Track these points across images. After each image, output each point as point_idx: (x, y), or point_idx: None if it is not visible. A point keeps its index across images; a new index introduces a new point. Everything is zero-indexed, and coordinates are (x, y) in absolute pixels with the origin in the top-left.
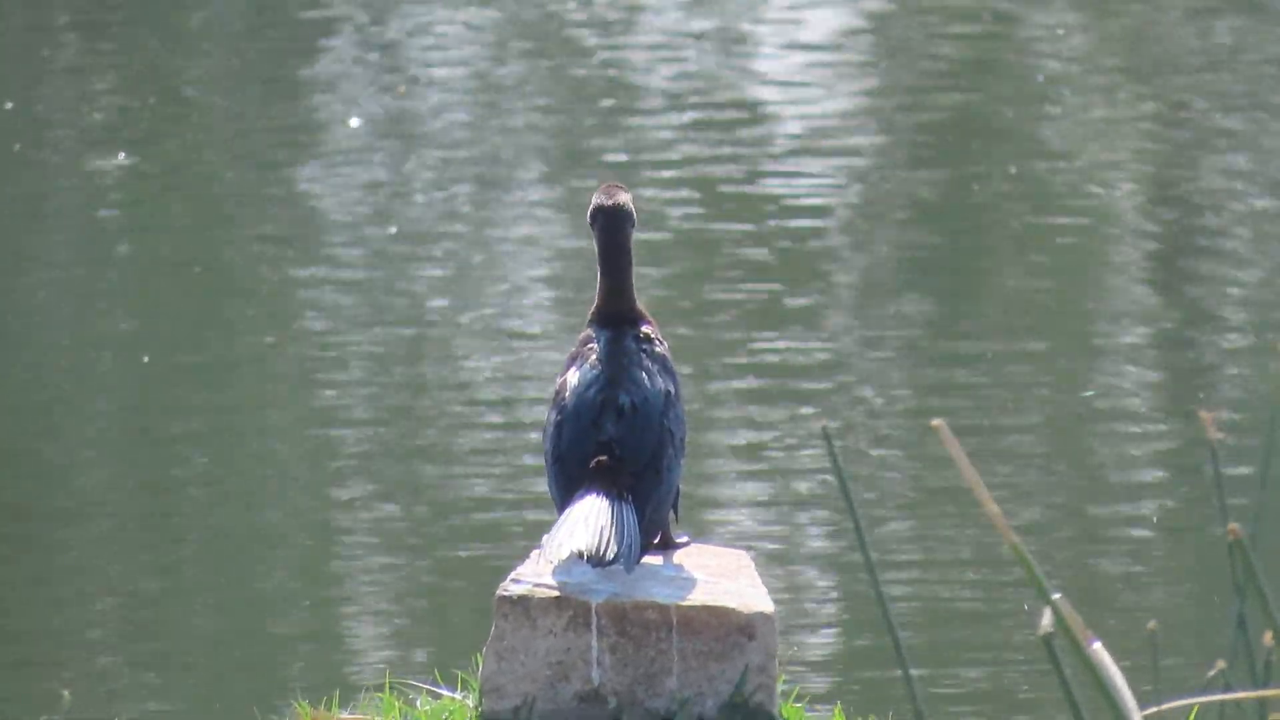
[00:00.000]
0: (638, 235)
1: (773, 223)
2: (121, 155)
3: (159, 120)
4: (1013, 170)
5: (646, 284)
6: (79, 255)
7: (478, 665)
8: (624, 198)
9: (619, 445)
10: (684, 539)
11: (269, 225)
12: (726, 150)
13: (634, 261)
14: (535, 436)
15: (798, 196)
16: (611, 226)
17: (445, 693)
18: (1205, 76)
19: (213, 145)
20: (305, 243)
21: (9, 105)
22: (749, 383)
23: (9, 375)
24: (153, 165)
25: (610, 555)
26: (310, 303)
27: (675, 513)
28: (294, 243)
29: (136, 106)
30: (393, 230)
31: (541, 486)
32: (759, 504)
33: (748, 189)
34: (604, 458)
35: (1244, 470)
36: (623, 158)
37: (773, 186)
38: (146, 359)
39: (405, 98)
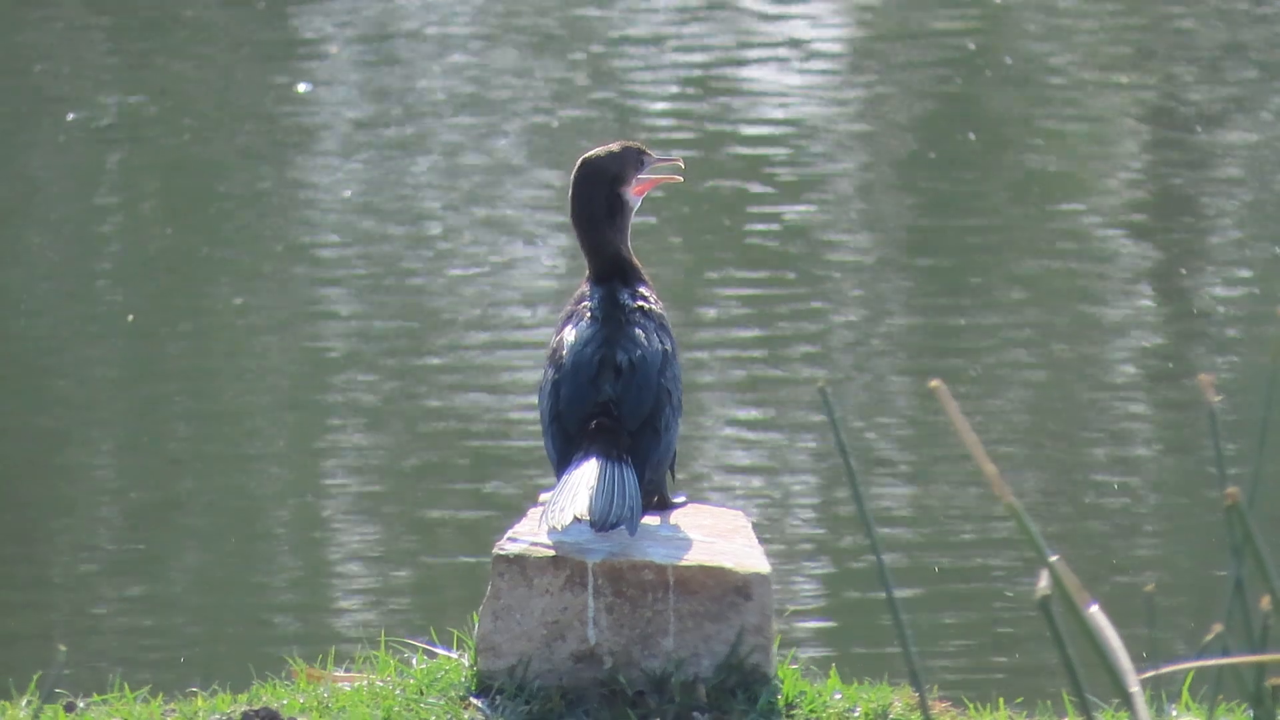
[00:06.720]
0: (658, 199)
1: (773, 191)
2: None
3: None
4: (972, 136)
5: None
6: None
7: (473, 624)
8: (597, 153)
9: (617, 404)
10: (681, 499)
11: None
12: (727, 125)
13: (625, 217)
14: (531, 397)
15: (797, 166)
16: (575, 181)
17: (441, 651)
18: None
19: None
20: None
21: None
22: (745, 333)
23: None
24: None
25: (613, 520)
26: (300, 255)
27: (672, 473)
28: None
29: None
30: (346, 194)
31: (536, 443)
32: (755, 464)
33: (746, 153)
34: (603, 419)
35: (1243, 432)
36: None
37: (770, 161)
38: (131, 318)
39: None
